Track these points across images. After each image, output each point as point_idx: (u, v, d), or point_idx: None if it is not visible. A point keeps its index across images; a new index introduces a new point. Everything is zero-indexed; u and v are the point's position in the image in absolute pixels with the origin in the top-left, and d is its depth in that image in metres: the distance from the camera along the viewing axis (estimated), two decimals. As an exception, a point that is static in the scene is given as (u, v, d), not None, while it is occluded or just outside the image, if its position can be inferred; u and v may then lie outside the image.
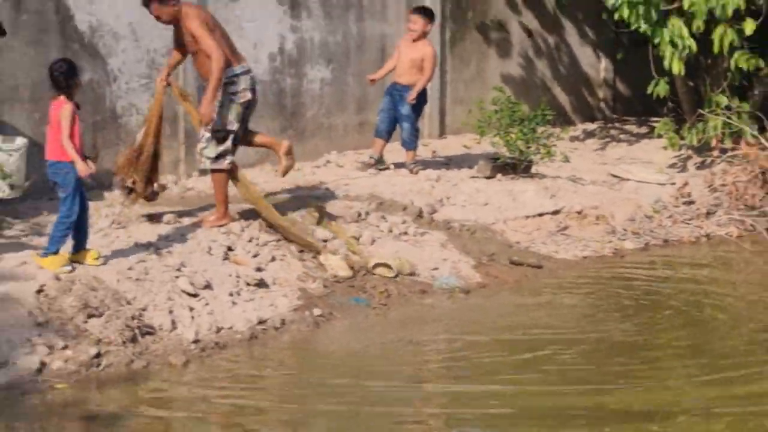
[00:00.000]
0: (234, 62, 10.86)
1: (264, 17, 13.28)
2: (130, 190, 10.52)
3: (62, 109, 9.33)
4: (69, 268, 9.36)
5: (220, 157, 10.81)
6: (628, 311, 10.59)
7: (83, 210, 9.56)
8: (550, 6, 15.95)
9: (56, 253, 9.44)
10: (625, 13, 13.22)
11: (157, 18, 10.69)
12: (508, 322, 10.30)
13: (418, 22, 13.25)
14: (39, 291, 9.05)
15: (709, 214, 13.21)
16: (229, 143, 10.84)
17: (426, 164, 13.67)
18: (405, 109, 13.24)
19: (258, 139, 11.37)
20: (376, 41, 14.11)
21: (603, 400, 8.40)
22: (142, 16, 11.58)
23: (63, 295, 9.05)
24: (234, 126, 10.84)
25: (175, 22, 10.67)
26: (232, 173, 10.94)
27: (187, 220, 11.01)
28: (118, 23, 11.98)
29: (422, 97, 13.37)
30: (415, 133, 13.45)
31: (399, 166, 13.42)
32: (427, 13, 13.46)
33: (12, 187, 10.21)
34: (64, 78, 9.40)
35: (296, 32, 13.57)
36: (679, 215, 13.16)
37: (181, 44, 10.88)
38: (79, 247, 9.58)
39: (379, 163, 13.35)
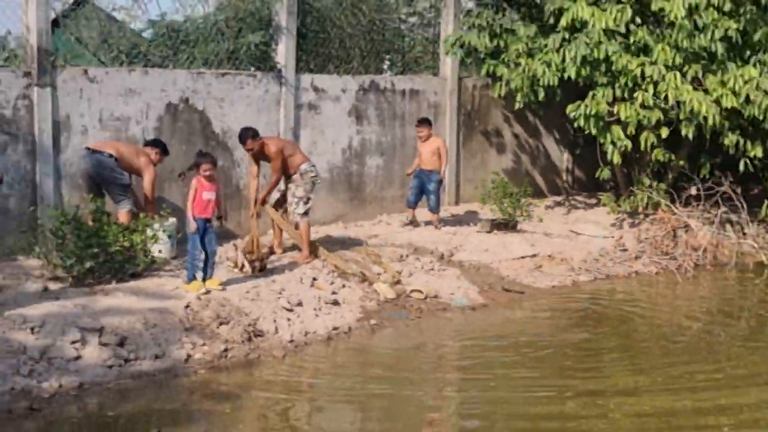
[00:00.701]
0: (306, 160, 11.21)
1: (339, 124, 13.35)
2: (255, 261, 10.45)
3: (192, 181, 9.64)
4: (204, 290, 9.47)
5: (305, 213, 11.09)
6: (582, 323, 10.60)
7: (207, 250, 9.66)
8: (531, 119, 15.97)
9: (194, 279, 9.58)
10: (582, 122, 13.17)
11: (249, 150, 10.93)
12: (500, 329, 10.27)
13: (423, 130, 13.22)
14: (187, 306, 9.15)
15: (636, 258, 13.13)
16: (310, 204, 11.17)
17: (446, 222, 13.62)
18: (432, 186, 13.20)
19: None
20: (412, 141, 14.05)
21: (565, 383, 8.47)
22: (257, 123, 11.66)
23: (203, 309, 9.16)
24: (312, 194, 11.23)
25: (260, 150, 10.92)
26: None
27: (285, 260, 11.07)
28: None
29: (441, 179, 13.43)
30: (438, 201, 13.44)
31: (428, 224, 13.38)
32: (427, 122, 13.41)
33: (166, 250, 10.59)
34: (195, 161, 9.79)
35: (360, 134, 13.63)
36: (617, 258, 13.09)
37: (257, 162, 11.14)
38: (206, 276, 9.67)
39: (412, 224, 13.34)
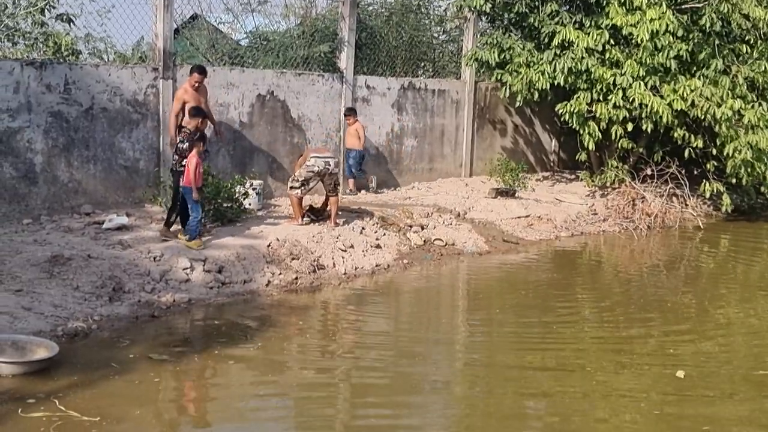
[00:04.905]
0: (315, 155, 9.98)
1: (384, 113, 13.14)
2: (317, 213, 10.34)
3: (193, 159, 8.73)
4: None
5: (291, 188, 9.96)
6: (560, 265, 10.50)
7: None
8: (528, 113, 15.69)
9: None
10: (567, 117, 13.01)
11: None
12: (501, 269, 10.24)
13: (350, 118, 12.20)
14: (268, 245, 9.07)
15: (604, 220, 12.90)
16: (297, 184, 9.90)
17: (461, 188, 13.36)
18: (350, 160, 12.30)
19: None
20: (438, 127, 13.96)
21: (545, 304, 8.38)
22: (323, 111, 11.60)
23: (280, 248, 9.07)
24: (308, 180, 9.90)
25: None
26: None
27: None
28: (312, 114, 11.97)
29: (362, 155, 12.40)
30: (353, 172, 12.37)
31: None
32: (353, 111, 12.31)
33: (254, 204, 10.37)
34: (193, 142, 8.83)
35: (400, 122, 13.41)
36: (589, 220, 12.86)
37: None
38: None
39: (350, 192, 12.35)
